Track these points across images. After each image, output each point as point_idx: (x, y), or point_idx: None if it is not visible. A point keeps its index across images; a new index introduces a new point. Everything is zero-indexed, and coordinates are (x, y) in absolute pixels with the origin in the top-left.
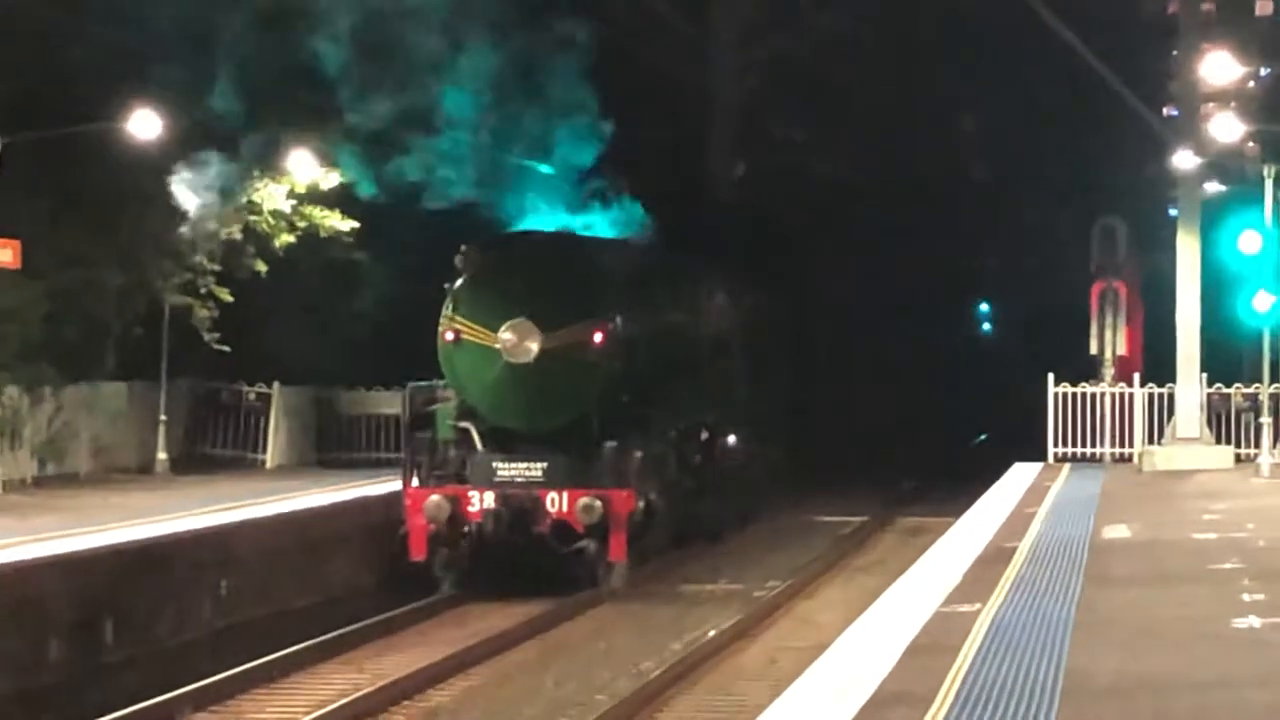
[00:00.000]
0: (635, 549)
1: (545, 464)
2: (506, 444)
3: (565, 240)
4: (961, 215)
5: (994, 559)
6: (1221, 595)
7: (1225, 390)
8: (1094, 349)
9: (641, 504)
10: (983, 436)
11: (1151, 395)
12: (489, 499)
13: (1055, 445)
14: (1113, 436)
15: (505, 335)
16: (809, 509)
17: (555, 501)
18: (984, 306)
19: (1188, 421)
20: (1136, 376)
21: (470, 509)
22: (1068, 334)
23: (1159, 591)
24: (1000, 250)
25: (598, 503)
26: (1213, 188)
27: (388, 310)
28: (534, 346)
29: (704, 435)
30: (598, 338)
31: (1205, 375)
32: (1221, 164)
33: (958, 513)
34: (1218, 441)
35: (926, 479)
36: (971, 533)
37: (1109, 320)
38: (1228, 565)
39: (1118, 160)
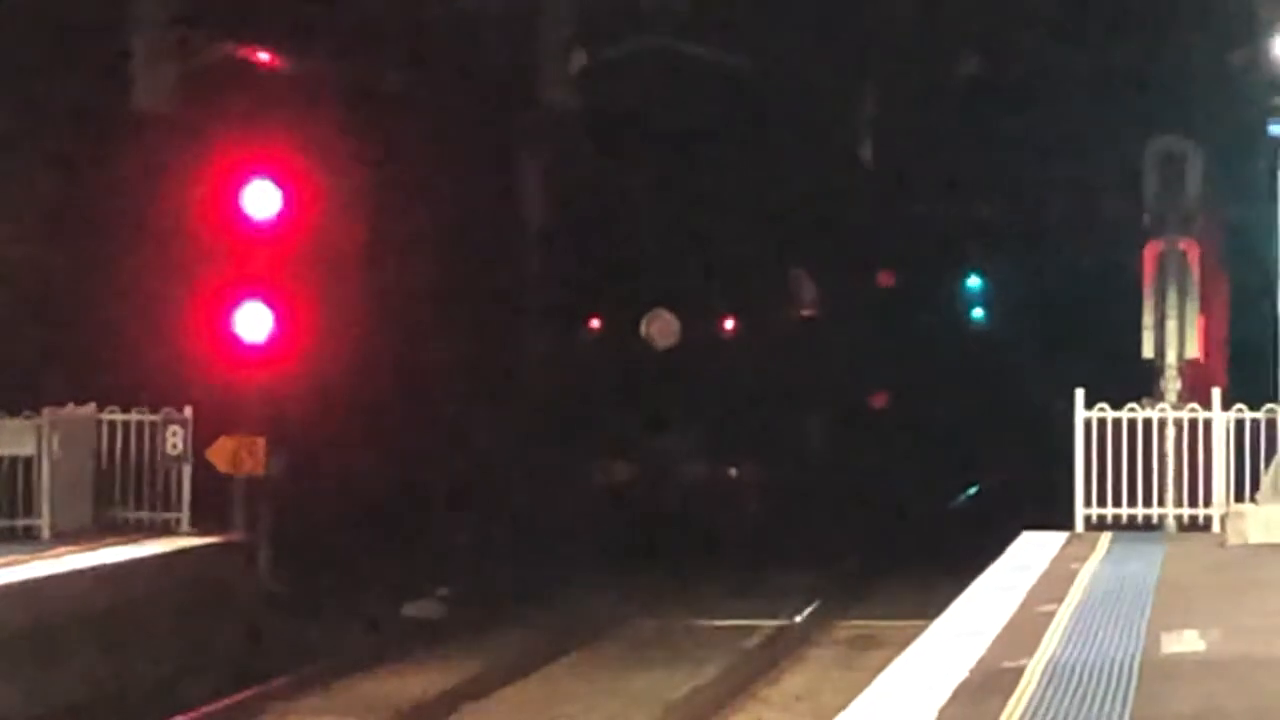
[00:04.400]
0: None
1: (683, 436)
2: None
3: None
4: (936, 134)
5: (987, 689)
6: None
7: None
8: (1148, 350)
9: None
10: (972, 489)
11: (1241, 423)
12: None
13: (1088, 504)
14: (1179, 489)
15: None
16: (694, 604)
17: (692, 473)
18: (973, 281)
19: None
20: (1217, 393)
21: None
22: (1106, 325)
23: None
24: (999, 192)
25: (733, 471)
26: None
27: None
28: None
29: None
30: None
31: None
32: None
33: (930, 614)
34: None
35: (880, 557)
36: (952, 646)
37: (1173, 304)
38: None
39: (1185, 46)
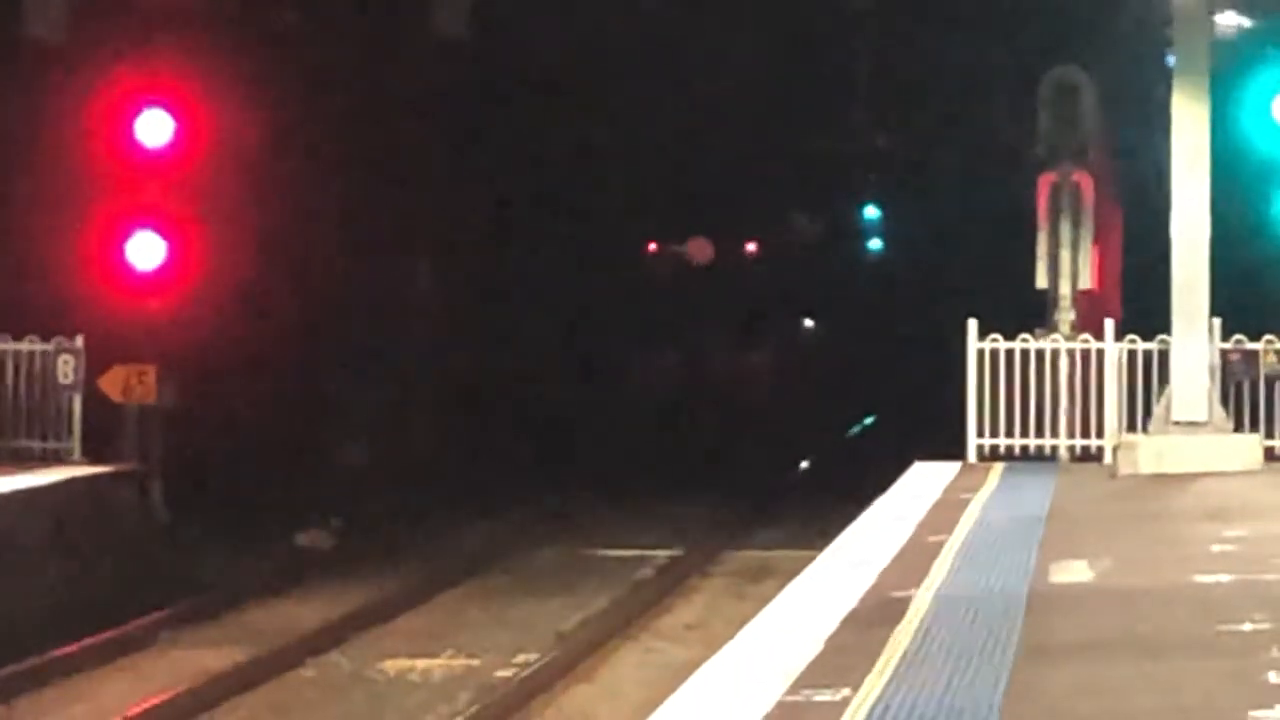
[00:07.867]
0: None
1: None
2: None
3: None
4: (830, 66)
5: (876, 618)
6: (1238, 674)
7: (1250, 345)
8: (1041, 281)
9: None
10: (868, 420)
11: (1133, 353)
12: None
13: (980, 434)
14: (1072, 420)
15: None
16: (587, 535)
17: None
18: (870, 212)
19: (1190, 396)
20: (1110, 324)
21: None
22: (1001, 256)
23: (1136, 669)
24: (895, 123)
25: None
26: (1230, 21)
27: None
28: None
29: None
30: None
31: (1219, 322)
32: None
33: (821, 544)
34: (1237, 427)
35: (774, 488)
36: (842, 576)
37: (1066, 234)
38: (1248, 626)
39: None
